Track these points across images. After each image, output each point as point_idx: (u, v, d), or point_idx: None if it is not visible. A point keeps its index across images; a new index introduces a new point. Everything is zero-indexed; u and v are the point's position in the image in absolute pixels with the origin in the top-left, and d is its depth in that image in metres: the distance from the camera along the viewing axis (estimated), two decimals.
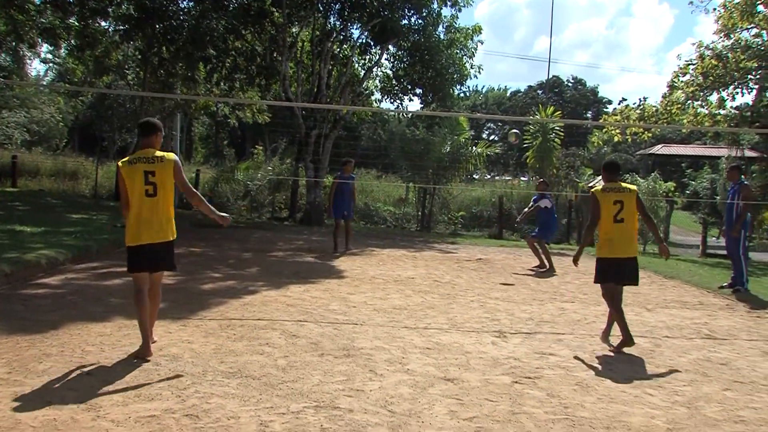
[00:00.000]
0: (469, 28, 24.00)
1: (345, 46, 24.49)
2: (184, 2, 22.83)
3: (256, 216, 24.04)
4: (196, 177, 26.86)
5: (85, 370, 5.19)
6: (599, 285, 7.16)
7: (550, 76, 70.05)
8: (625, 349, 6.76)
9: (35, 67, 61.43)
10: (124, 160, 5.86)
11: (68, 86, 31.72)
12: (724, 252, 13.97)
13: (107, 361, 5.44)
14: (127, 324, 6.72)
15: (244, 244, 15.03)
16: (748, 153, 27.76)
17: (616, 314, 6.91)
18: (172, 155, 5.88)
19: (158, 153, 5.83)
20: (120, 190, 5.86)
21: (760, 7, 23.06)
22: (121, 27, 22.52)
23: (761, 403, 5.27)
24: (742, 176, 12.21)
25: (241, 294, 8.84)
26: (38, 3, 22.28)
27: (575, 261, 7.49)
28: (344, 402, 4.75)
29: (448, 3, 22.74)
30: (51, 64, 39.88)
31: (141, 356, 5.56)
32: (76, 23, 23.06)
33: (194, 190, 6.07)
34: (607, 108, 72.34)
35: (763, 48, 22.96)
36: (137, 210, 5.69)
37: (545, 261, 13.27)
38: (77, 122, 41.15)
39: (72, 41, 24.07)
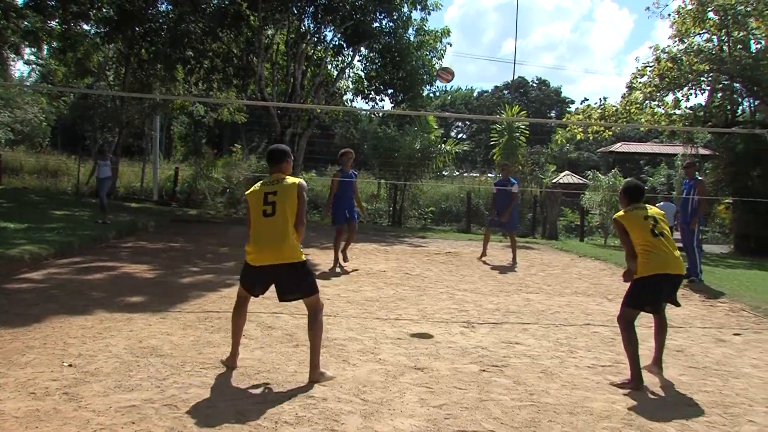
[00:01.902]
0: (438, 31, 24.50)
1: (319, 47, 24.75)
2: (163, 5, 23.00)
3: (233, 211, 24.03)
4: (175, 175, 26.79)
5: (67, 362, 5.23)
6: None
7: (516, 77, 70.74)
8: (587, 340, 6.99)
9: (19, 69, 60.89)
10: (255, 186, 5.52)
11: (51, 87, 31.61)
12: (680, 245, 14.33)
13: (88, 353, 5.48)
14: (108, 317, 6.78)
15: (222, 238, 15.08)
16: (702, 151, 28.35)
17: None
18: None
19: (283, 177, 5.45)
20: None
21: (711, 14, 23.73)
22: (102, 29, 22.55)
23: (713, 387, 5.52)
24: (697, 173, 12.62)
25: (218, 287, 8.93)
26: (20, 6, 22.12)
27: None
28: (318, 391, 4.86)
29: (418, 6, 23.13)
30: (34, 66, 39.56)
31: (227, 364, 5.37)
32: (58, 26, 23.04)
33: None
34: (570, 107, 73.06)
35: (714, 52, 23.60)
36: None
37: (486, 248, 13.94)
38: (60, 121, 40.89)
39: (54, 44, 24.04)
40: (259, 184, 5.49)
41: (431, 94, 27.19)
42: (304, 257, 5.34)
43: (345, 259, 11.62)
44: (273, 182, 5.40)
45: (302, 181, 5.46)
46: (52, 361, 5.24)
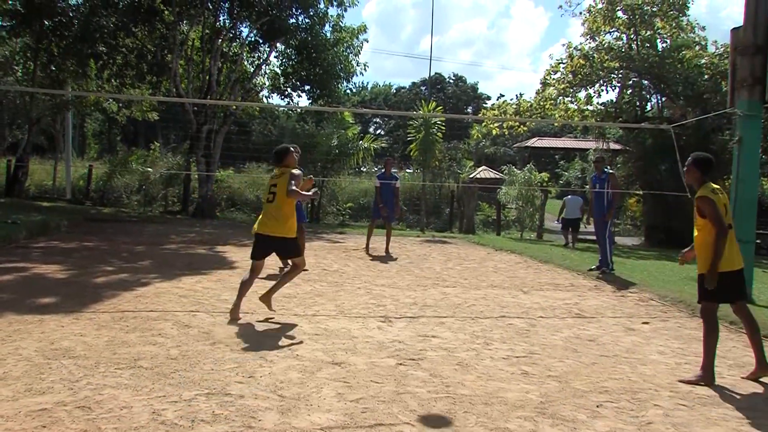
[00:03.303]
0: (354, 27, 24.58)
1: (234, 43, 24.50)
2: None
3: (148, 210, 23.55)
4: (88, 173, 26.02)
5: None
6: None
7: (433, 74, 71.52)
8: (502, 332, 7.15)
9: None
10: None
11: None
12: (593, 237, 14.78)
13: None
14: (17, 319, 6.55)
15: (137, 237, 14.80)
16: (613, 146, 29.29)
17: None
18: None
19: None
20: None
21: (620, 13, 24.59)
22: (8, 23, 21.63)
23: (622, 374, 5.72)
24: (608, 167, 13.04)
25: (134, 286, 8.76)
26: None
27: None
28: (235, 388, 4.82)
29: (334, 3, 23.26)
30: None
31: (233, 317, 7.07)
32: None
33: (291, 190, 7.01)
34: (486, 104, 74.48)
35: (623, 50, 24.45)
36: None
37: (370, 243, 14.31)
38: None
39: None
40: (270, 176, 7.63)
41: (348, 91, 27.30)
42: (294, 234, 7.35)
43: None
44: (277, 175, 7.33)
45: (297, 170, 7.30)
46: None
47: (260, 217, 7.38)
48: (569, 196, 20.84)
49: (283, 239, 7.24)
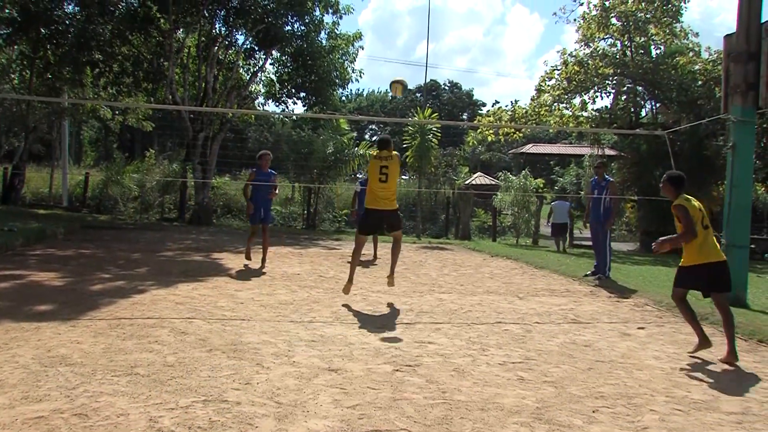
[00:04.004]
0: (350, 35, 24.65)
1: (230, 51, 24.64)
2: (70, 6, 22.23)
3: (145, 217, 23.55)
4: (85, 180, 26.00)
5: None
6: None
7: (429, 80, 71.67)
8: (498, 338, 7.17)
9: None
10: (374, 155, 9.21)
11: None
12: (590, 243, 14.82)
13: None
14: (14, 327, 6.53)
15: (134, 244, 14.79)
16: (608, 151, 29.41)
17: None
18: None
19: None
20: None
21: (614, 20, 24.69)
22: (4, 31, 21.64)
23: (618, 379, 5.73)
24: (608, 174, 13.05)
25: (130, 293, 8.74)
26: None
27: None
28: (232, 395, 4.80)
29: (330, 10, 23.27)
30: None
31: (345, 292, 9.01)
32: None
33: None
34: (481, 110, 74.59)
35: (617, 57, 24.55)
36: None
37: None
38: None
39: None
40: (373, 158, 9.12)
41: (344, 98, 27.39)
42: (397, 206, 9.22)
43: (248, 258, 12.26)
44: (385, 157, 8.98)
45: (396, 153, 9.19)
46: None
47: (370, 195, 9.02)
48: (556, 202, 21.30)
49: (395, 212, 9.16)
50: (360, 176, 14.16)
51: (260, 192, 12.16)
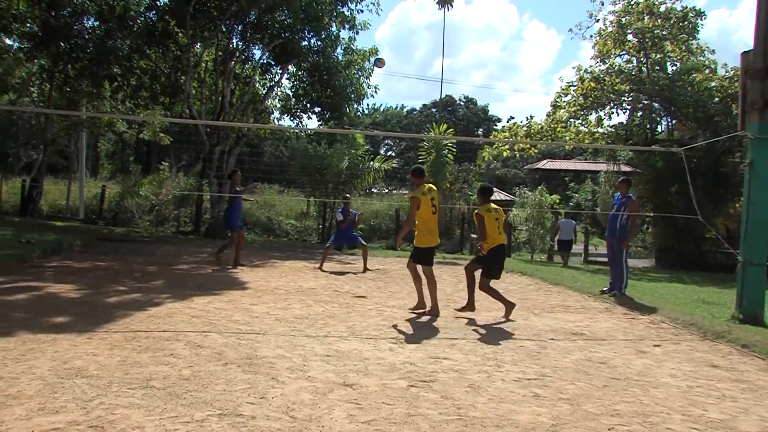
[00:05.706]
0: (366, 50, 24.74)
1: (247, 65, 24.84)
2: (90, 21, 22.52)
3: (161, 230, 23.67)
4: (101, 193, 26.18)
5: None
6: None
7: (444, 96, 71.75)
8: (513, 354, 7.14)
9: None
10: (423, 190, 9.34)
11: None
12: (605, 259, 14.74)
13: (10, 376, 5.31)
14: (31, 338, 6.59)
15: (150, 257, 14.92)
16: (624, 168, 29.27)
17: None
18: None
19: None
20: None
21: (630, 37, 24.68)
22: (26, 45, 21.97)
23: (634, 397, 5.69)
24: (631, 191, 12.95)
25: (146, 306, 8.80)
26: None
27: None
28: (247, 409, 4.81)
29: (346, 26, 23.38)
30: None
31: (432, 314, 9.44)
32: None
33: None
34: (497, 125, 74.53)
35: (633, 73, 24.52)
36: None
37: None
38: None
39: None
40: (422, 193, 9.23)
41: (358, 113, 27.51)
42: None
43: (221, 261, 14.09)
44: (430, 190, 9.34)
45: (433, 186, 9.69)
46: None
47: (428, 229, 9.35)
48: (563, 220, 22.03)
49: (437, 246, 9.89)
50: (339, 209, 14.60)
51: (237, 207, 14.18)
